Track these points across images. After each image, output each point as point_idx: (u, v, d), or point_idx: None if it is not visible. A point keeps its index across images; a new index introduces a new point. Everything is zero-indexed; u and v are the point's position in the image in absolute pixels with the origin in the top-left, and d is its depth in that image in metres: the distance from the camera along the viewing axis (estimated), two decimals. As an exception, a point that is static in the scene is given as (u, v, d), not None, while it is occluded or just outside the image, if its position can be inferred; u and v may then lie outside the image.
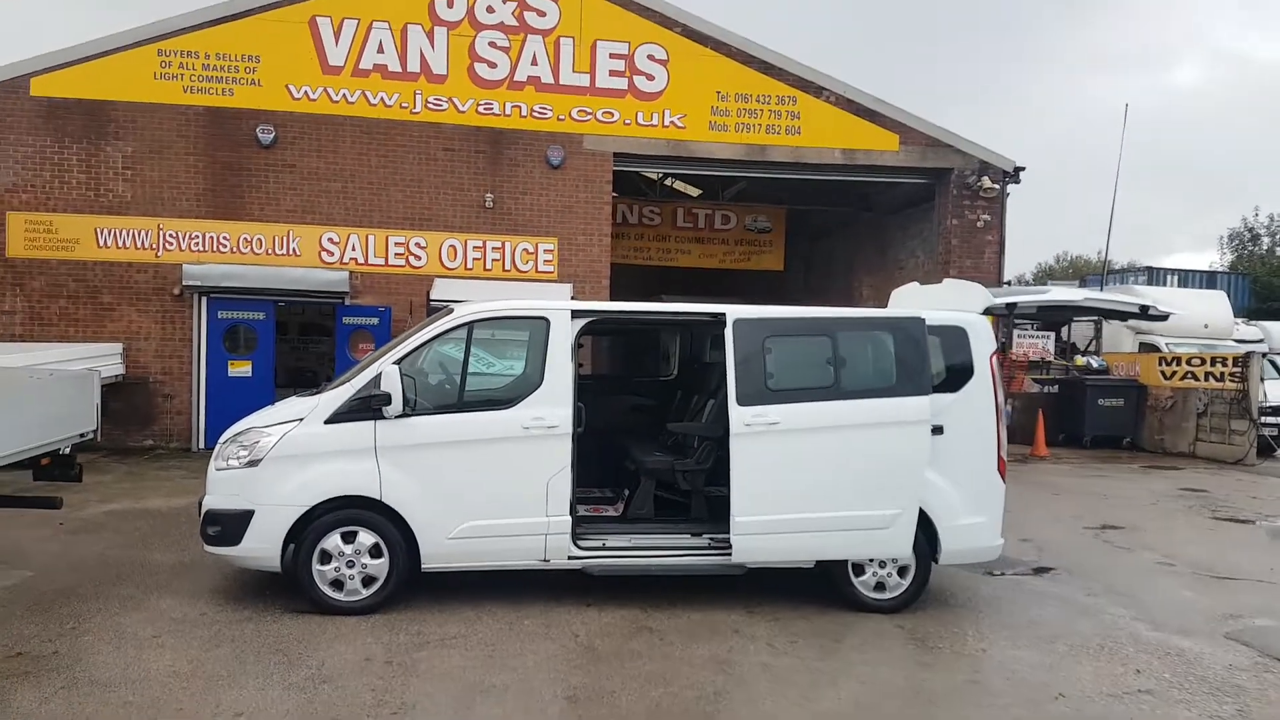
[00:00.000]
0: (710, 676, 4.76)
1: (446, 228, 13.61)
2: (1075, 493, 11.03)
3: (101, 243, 12.71)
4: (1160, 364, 15.57)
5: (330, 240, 13.30)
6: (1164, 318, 15.61)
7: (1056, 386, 15.96)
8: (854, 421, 5.66)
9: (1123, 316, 16.28)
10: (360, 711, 4.19)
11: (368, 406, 5.51)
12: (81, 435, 6.39)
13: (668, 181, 21.06)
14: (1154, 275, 25.58)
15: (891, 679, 4.83)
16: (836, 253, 20.99)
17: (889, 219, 18.17)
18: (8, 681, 4.39)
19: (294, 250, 13.18)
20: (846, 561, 5.87)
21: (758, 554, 5.74)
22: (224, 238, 13.00)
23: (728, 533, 5.68)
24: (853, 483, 5.67)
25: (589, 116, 13.83)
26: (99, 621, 5.29)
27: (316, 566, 5.48)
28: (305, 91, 13.14)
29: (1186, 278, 26.11)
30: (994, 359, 6.09)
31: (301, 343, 17.81)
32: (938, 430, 5.73)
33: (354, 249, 13.36)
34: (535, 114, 13.70)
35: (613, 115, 13.88)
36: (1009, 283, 15.34)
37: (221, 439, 5.85)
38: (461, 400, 5.78)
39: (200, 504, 5.72)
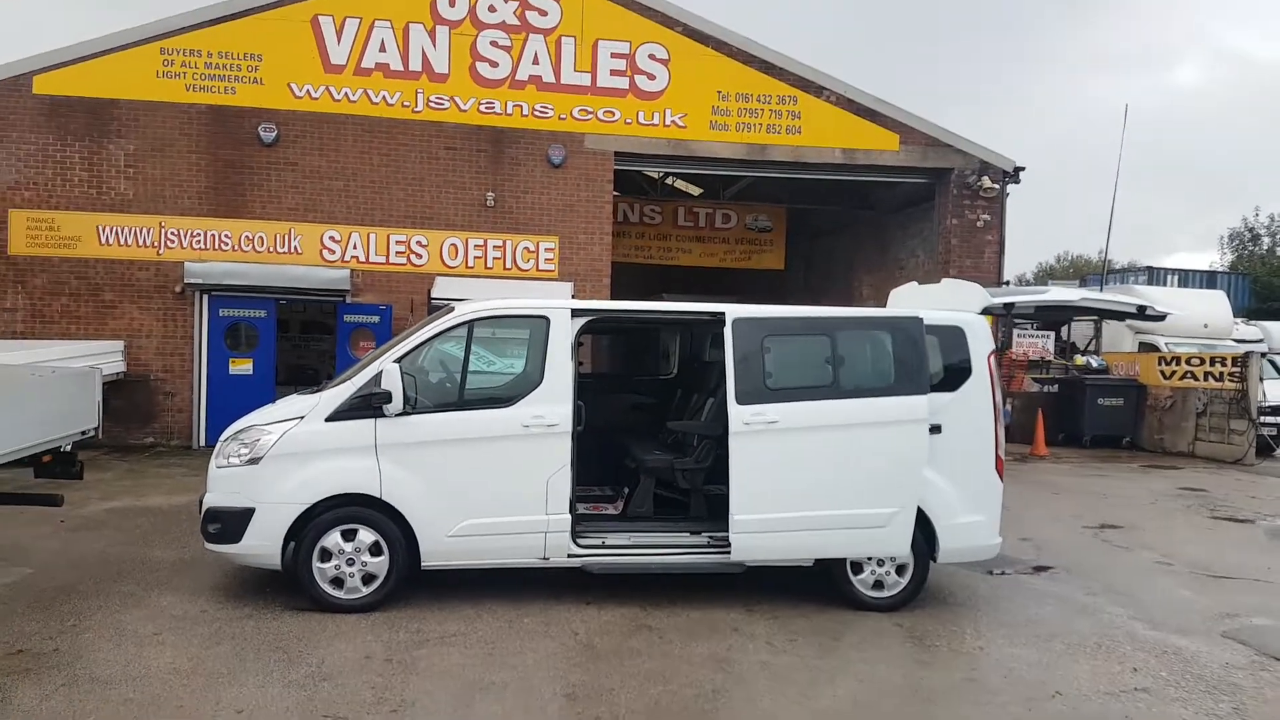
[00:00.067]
0: (709, 674, 4.78)
1: (448, 226, 13.63)
2: (1074, 492, 11.05)
3: (103, 240, 12.74)
4: (1160, 364, 15.58)
5: (332, 238, 13.32)
6: (1161, 318, 15.62)
7: (1056, 386, 15.98)
8: (852, 420, 5.68)
9: (1120, 316, 16.30)
10: (360, 709, 4.21)
11: (368, 404, 5.53)
12: (83, 433, 6.41)
13: (669, 180, 21.07)
14: (1154, 275, 25.59)
15: (890, 677, 4.84)
16: (837, 252, 21.00)
17: (889, 218, 18.19)
18: (9, 679, 4.41)
19: (295, 248, 13.20)
20: (845, 560, 5.89)
21: (757, 552, 5.76)
22: (226, 236, 13.02)
23: (727, 531, 5.70)
24: (851, 481, 5.69)
25: (590, 116, 13.84)
26: (99, 619, 5.31)
27: (317, 564, 5.49)
28: (307, 90, 13.16)
29: (1187, 277, 26.11)
30: (992, 358, 6.11)
31: (303, 340, 17.85)
32: (936, 429, 5.75)
33: (355, 247, 13.38)
34: (537, 113, 13.72)
35: (614, 114, 13.89)
36: (1007, 282, 15.33)
37: (222, 437, 5.87)
38: (462, 398, 5.80)
39: (201, 501, 5.73)
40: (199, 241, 12.95)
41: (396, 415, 5.54)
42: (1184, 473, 12.94)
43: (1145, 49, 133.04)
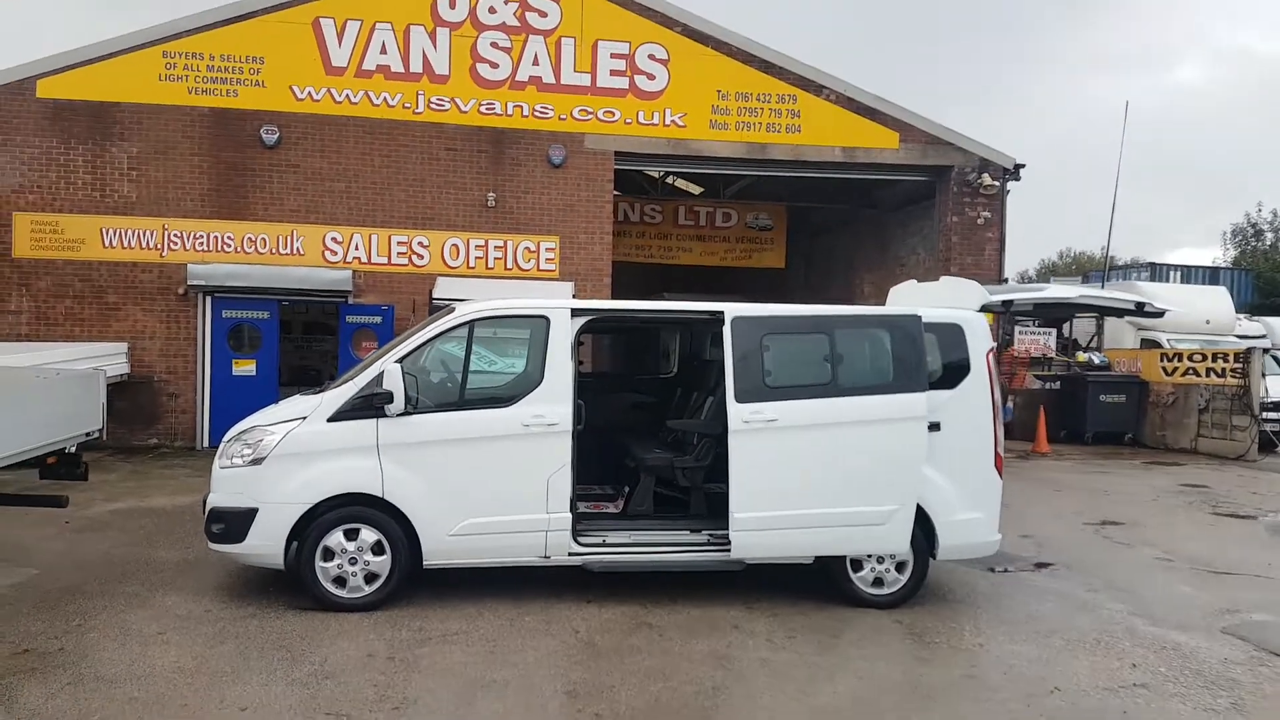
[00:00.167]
0: (709, 672, 4.80)
1: (449, 227, 13.67)
2: (1076, 489, 11.05)
3: (107, 243, 12.79)
4: (1162, 360, 15.57)
5: (334, 239, 13.36)
6: (1159, 314, 15.61)
7: (1058, 383, 15.97)
8: (851, 418, 5.70)
9: (1119, 313, 16.29)
10: (362, 706, 4.24)
11: (370, 405, 5.56)
12: (87, 434, 6.45)
13: (669, 180, 21.10)
14: (1157, 271, 25.55)
15: (889, 674, 4.87)
16: (838, 250, 21.01)
17: (890, 216, 18.19)
18: (15, 678, 4.45)
19: (298, 250, 13.24)
20: (845, 557, 5.91)
21: (756, 550, 5.79)
22: (228, 237, 13.07)
23: (727, 529, 5.72)
24: (850, 479, 5.71)
25: (590, 116, 13.87)
26: (104, 618, 5.35)
27: (319, 563, 5.53)
28: (309, 92, 13.20)
29: (1189, 273, 26.05)
30: (990, 356, 6.13)
31: (305, 341, 17.91)
32: (935, 427, 5.77)
33: (357, 248, 13.42)
34: (537, 114, 13.75)
35: (614, 114, 13.91)
36: (1006, 279, 15.31)
37: (226, 437, 5.92)
38: (463, 398, 5.83)
39: (205, 502, 5.77)
40: (202, 243, 13.00)
41: (398, 415, 5.57)
42: (1186, 469, 12.94)
43: (1146, 49, 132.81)
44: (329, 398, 5.72)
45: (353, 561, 5.56)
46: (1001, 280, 15.14)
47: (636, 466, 6.75)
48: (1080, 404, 15.49)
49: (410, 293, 13.41)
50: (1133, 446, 15.40)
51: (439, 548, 5.64)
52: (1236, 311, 20.12)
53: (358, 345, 12.97)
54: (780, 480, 5.70)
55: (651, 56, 13.98)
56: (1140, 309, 15.44)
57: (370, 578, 5.59)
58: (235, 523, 5.52)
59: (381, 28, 13.34)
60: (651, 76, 13.99)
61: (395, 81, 13.39)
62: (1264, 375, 14.30)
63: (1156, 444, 15.25)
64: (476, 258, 13.75)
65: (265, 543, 5.52)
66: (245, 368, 13.07)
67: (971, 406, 5.98)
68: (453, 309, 6.06)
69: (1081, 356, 16.61)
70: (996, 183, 14.91)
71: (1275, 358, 16.48)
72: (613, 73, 13.90)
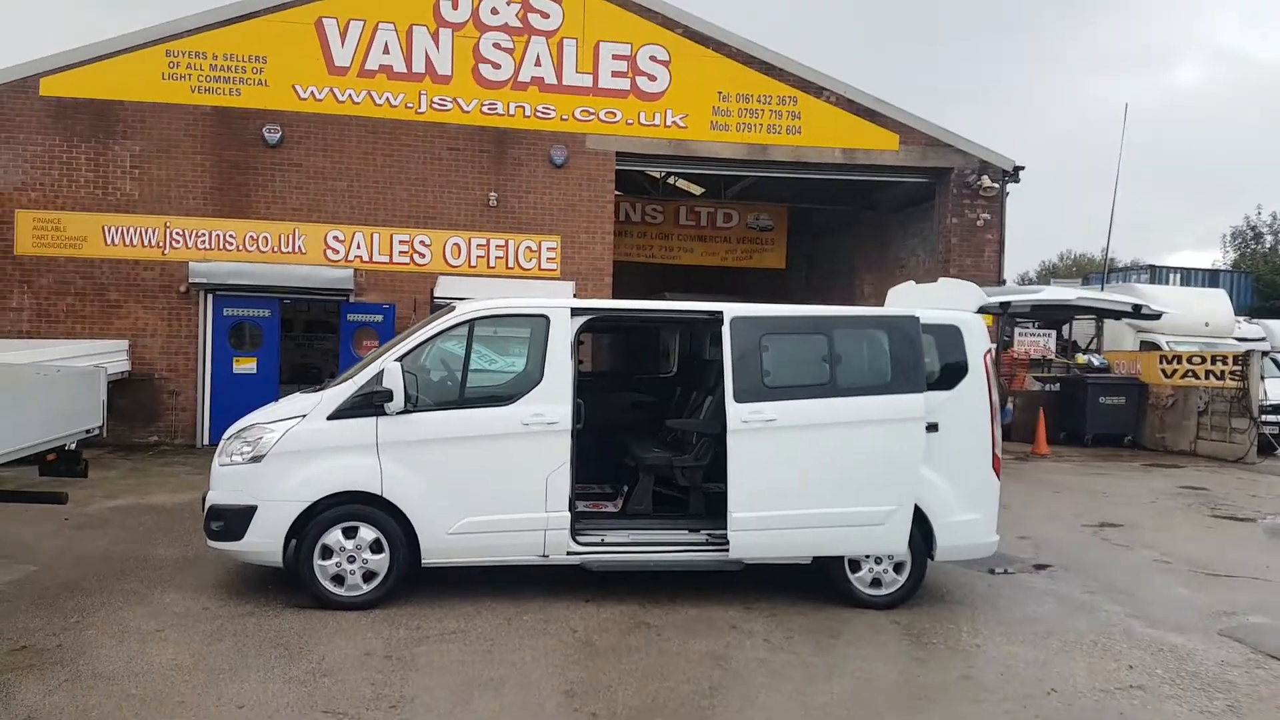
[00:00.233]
0: (707, 671, 4.81)
1: (451, 226, 13.69)
2: (1075, 490, 11.06)
3: (109, 240, 12.81)
4: (1161, 362, 15.57)
5: (335, 238, 13.38)
6: (1156, 316, 15.63)
7: (1058, 385, 15.97)
8: (849, 419, 5.71)
9: (1116, 315, 16.31)
10: (359, 704, 4.25)
11: (370, 403, 5.57)
12: (87, 431, 6.47)
13: (670, 180, 21.13)
14: (1156, 273, 25.56)
15: (886, 674, 4.88)
16: (838, 251, 21.02)
17: (890, 217, 18.21)
18: (13, 674, 4.46)
19: (300, 248, 13.27)
20: (843, 558, 5.92)
21: (754, 550, 5.80)
22: (230, 236, 13.09)
23: (725, 529, 5.73)
24: (848, 479, 5.72)
25: (592, 116, 13.89)
26: (103, 616, 5.36)
27: (318, 562, 5.54)
28: (312, 92, 13.22)
29: (1189, 276, 26.06)
30: (988, 357, 6.13)
31: (306, 339, 17.93)
32: (933, 428, 5.78)
33: (359, 247, 13.45)
34: (539, 114, 13.77)
35: (615, 115, 13.94)
36: (1003, 281, 15.31)
37: (225, 435, 5.93)
38: (462, 397, 5.84)
39: (204, 499, 5.79)
40: (204, 241, 13.02)
41: (398, 413, 5.58)
42: (1185, 471, 12.94)
43: (1147, 50, 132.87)
44: (329, 396, 5.73)
45: (351, 560, 5.57)
46: (1000, 282, 15.15)
47: (635, 466, 6.76)
48: (1080, 406, 15.49)
49: (412, 291, 13.43)
50: (1132, 449, 15.40)
51: (437, 546, 5.65)
52: (1236, 314, 20.13)
53: (359, 344, 12.99)
54: (779, 480, 5.71)
55: (653, 58, 14.00)
56: (1137, 311, 15.46)
57: (368, 576, 5.60)
58: (234, 520, 5.53)
59: (384, 28, 13.36)
60: (653, 78, 14.01)
61: (398, 81, 13.42)
62: (1263, 378, 14.29)
63: (1156, 446, 15.25)
64: (478, 257, 13.77)
65: (264, 540, 5.53)
66: (246, 366, 13.09)
67: (969, 408, 5.99)
68: (453, 308, 6.07)
69: (1081, 358, 16.62)
70: (996, 185, 14.93)
71: (1275, 360, 16.48)
72: (614, 74, 13.93)
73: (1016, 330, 16.15)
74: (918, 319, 5.87)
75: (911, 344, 5.79)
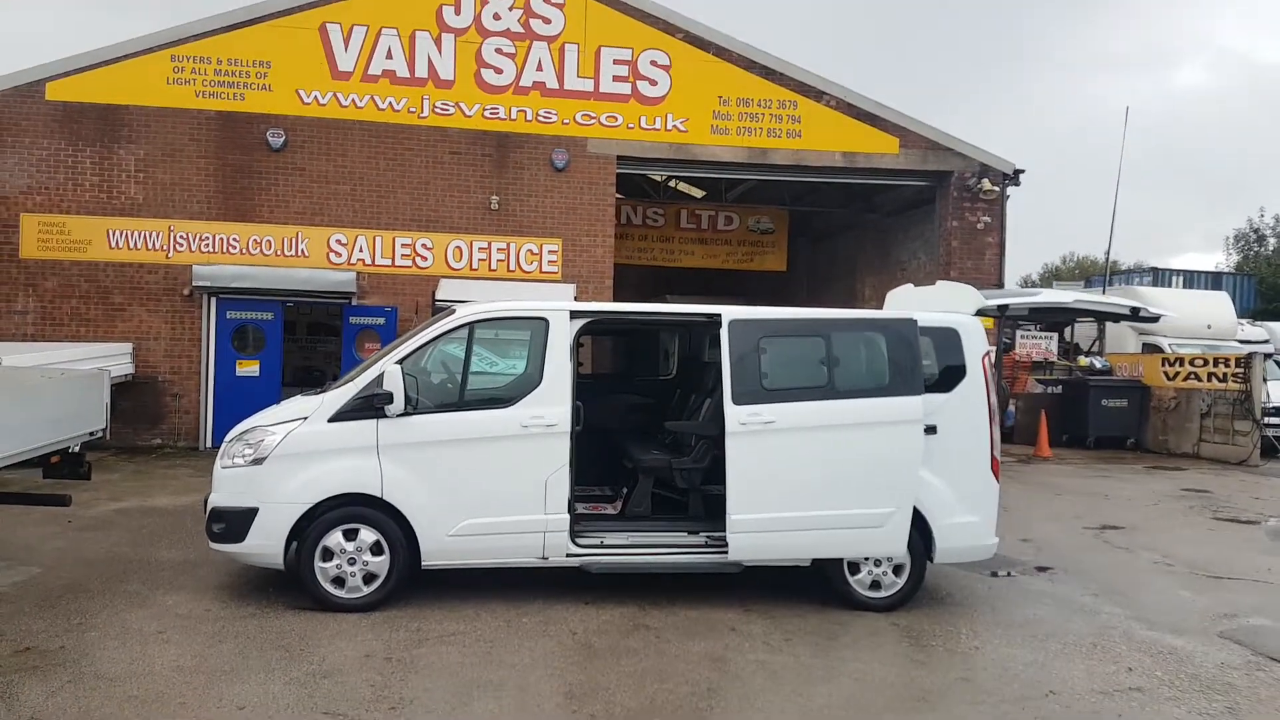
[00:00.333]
0: (705, 673, 4.83)
1: (452, 229, 13.74)
2: (1077, 493, 11.05)
3: (113, 244, 12.87)
4: (1163, 365, 15.56)
5: (338, 241, 13.43)
6: (1154, 319, 15.64)
7: (1060, 387, 15.98)
8: (848, 421, 5.72)
9: (1114, 318, 16.31)
10: (359, 706, 4.27)
11: (370, 405, 5.60)
12: (91, 434, 6.50)
13: (671, 183, 21.18)
14: (1159, 276, 25.53)
15: (885, 676, 4.88)
16: (839, 254, 21.05)
17: (891, 220, 18.24)
18: (16, 675, 4.49)
19: (302, 251, 13.32)
20: (842, 560, 5.93)
21: (753, 552, 5.81)
22: (234, 239, 13.15)
23: (724, 531, 5.75)
24: (847, 481, 5.74)
25: (593, 121, 13.93)
26: (105, 617, 5.39)
27: (319, 564, 5.56)
28: (315, 96, 13.28)
29: (1192, 278, 26.04)
30: (987, 360, 6.14)
31: (309, 342, 18.00)
32: (931, 430, 5.79)
33: (361, 250, 13.49)
34: (540, 118, 13.82)
35: (616, 119, 13.98)
36: (1000, 285, 15.31)
37: (227, 437, 5.96)
38: (462, 399, 5.87)
39: (206, 501, 5.82)
40: (207, 245, 13.08)
41: (398, 416, 5.61)
42: (1188, 474, 12.92)
43: (1154, 51, 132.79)
44: (330, 398, 5.76)
45: (351, 562, 5.59)
46: (1001, 285, 15.16)
47: (635, 468, 6.78)
48: (1082, 408, 15.49)
49: (414, 294, 13.48)
50: (1135, 451, 15.39)
51: (437, 548, 5.67)
52: (1239, 316, 20.11)
53: (361, 346, 13.03)
54: (777, 482, 5.73)
55: (654, 62, 14.05)
56: (1135, 314, 15.46)
57: (369, 578, 5.62)
58: (236, 522, 5.56)
59: (387, 33, 13.42)
60: (654, 82, 14.06)
61: (401, 86, 13.48)
62: (1265, 380, 14.28)
63: (1158, 449, 15.23)
64: (480, 260, 13.81)
65: (265, 542, 5.55)
66: (249, 368, 13.14)
67: (968, 410, 6.00)
68: (453, 310, 6.11)
69: (1083, 361, 16.63)
70: (996, 188, 14.94)
71: (1278, 362, 16.45)
72: (615, 78, 13.97)
73: (1018, 333, 16.16)
74: (915, 321, 5.88)
75: (909, 346, 5.81)
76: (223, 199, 13.14)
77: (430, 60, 13.53)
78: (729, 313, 5.90)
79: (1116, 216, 22.07)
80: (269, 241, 13.23)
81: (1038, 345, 16.18)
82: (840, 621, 5.72)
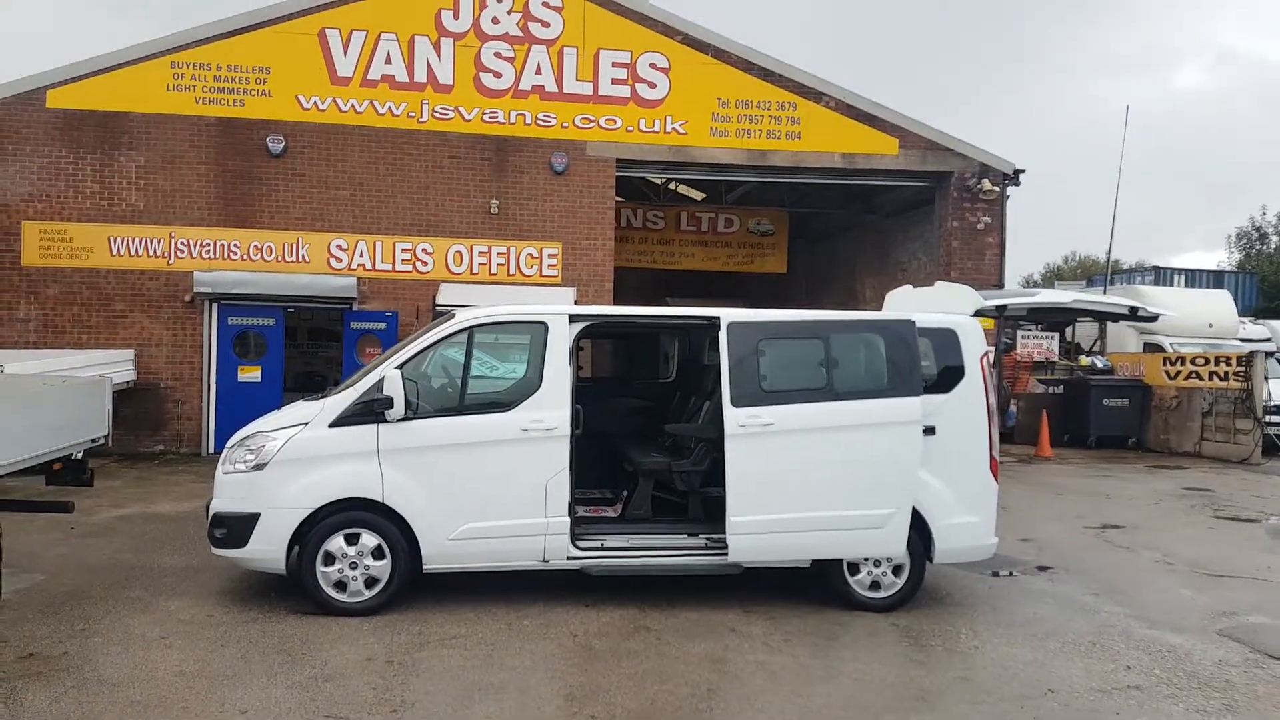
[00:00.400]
0: (705, 674, 4.85)
1: (452, 234, 13.76)
2: (1078, 493, 11.06)
3: (114, 251, 12.91)
4: (1165, 364, 15.56)
5: (339, 247, 13.47)
6: (1153, 318, 15.64)
7: (1061, 387, 15.98)
8: (846, 422, 5.74)
9: (1113, 318, 16.32)
10: (361, 709, 4.30)
11: (371, 410, 5.63)
12: (93, 440, 6.52)
13: (672, 185, 21.23)
14: (1161, 275, 25.52)
15: (884, 676, 4.90)
16: (839, 255, 21.07)
17: (891, 221, 18.25)
18: (20, 681, 4.52)
19: (303, 257, 13.35)
20: (842, 561, 5.95)
21: (753, 553, 5.83)
22: (234, 245, 13.19)
23: (724, 533, 5.77)
24: (846, 483, 5.76)
25: (592, 124, 13.96)
26: (108, 623, 5.42)
27: (320, 568, 5.59)
28: (315, 102, 13.32)
29: (1194, 277, 26.02)
30: (985, 360, 6.16)
31: (311, 347, 18.06)
32: (930, 431, 5.81)
33: (362, 255, 13.53)
34: (539, 122, 13.85)
35: (615, 122, 14.01)
36: (1001, 285, 15.33)
37: (229, 443, 5.99)
38: (462, 403, 5.90)
39: (208, 507, 5.85)
40: (208, 251, 13.12)
41: (398, 420, 5.64)
42: (1189, 473, 12.92)
43: (1153, 51, 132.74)
44: (330, 403, 5.78)
45: (353, 566, 5.62)
46: (1001, 284, 15.17)
47: (635, 471, 6.80)
48: (1083, 408, 15.49)
49: (414, 299, 13.51)
50: (1136, 450, 15.38)
51: (438, 552, 5.69)
52: (1241, 315, 20.10)
53: (362, 351, 13.08)
54: (776, 484, 5.75)
55: (653, 65, 14.07)
56: (1134, 313, 15.47)
57: (370, 582, 5.64)
58: (238, 527, 5.59)
59: (386, 38, 13.46)
60: (653, 85, 14.08)
61: (400, 91, 13.51)
62: (1267, 378, 14.27)
63: (1160, 448, 15.22)
64: (480, 264, 13.84)
65: (267, 547, 5.58)
66: (250, 374, 13.17)
67: (966, 410, 6.02)
68: (453, 315, 6.13)
69: (1084, 360, 16.63)
70: (996, 188, 14.95)
71: (1279, 360, 16.45)
72: (614, 81, 14.00)
73: (1020, 333, 16.16)
74: (913, 323, 5.90)
75: (908, 348, 5.83)
76: (223, 205, 13.18)
77: (429, 65, 13.57)
78: (727, 315, 5.93)
79: (1118, 217, 22.10)
80: (270, 247, 13.26)
81: (1039, 345, 16.18)
82: (840, 622, 5.74)
